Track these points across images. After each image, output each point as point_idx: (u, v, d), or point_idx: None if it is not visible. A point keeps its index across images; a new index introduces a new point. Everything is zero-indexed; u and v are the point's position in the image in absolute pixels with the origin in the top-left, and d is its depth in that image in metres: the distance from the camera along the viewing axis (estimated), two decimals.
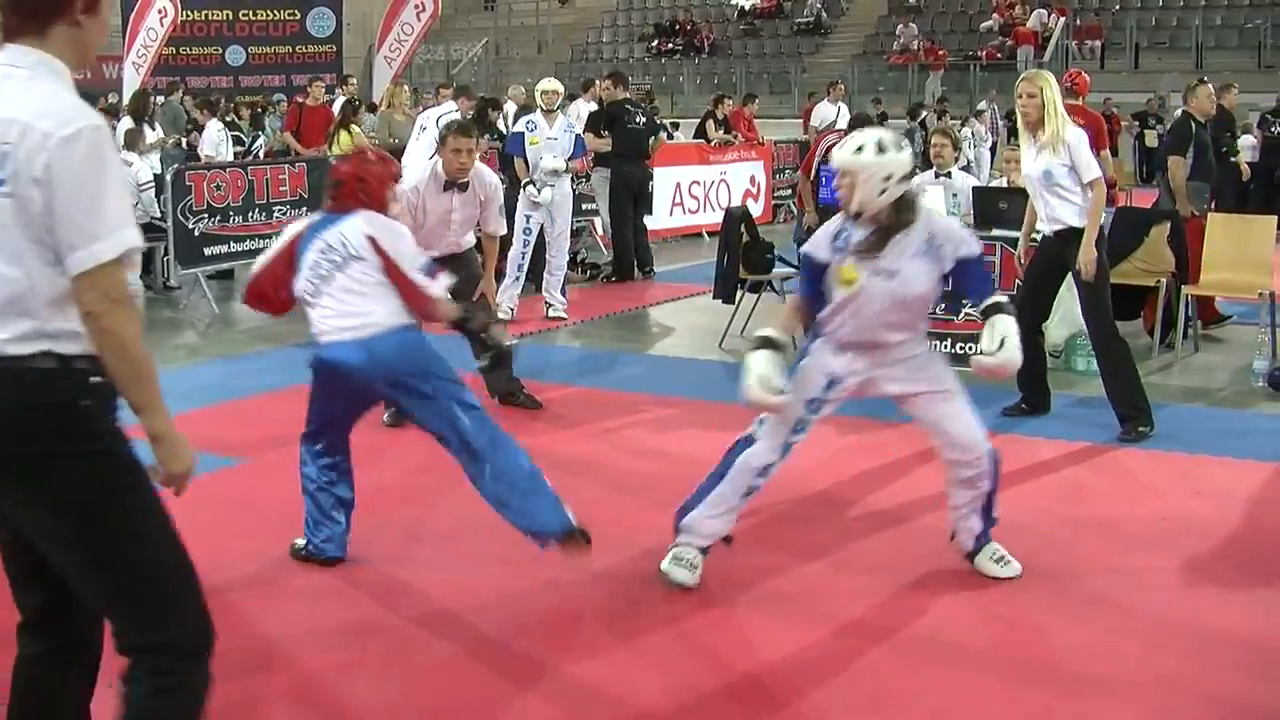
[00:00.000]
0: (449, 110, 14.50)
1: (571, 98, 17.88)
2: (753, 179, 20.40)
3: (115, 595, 3.51)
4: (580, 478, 7.37)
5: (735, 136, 20.25)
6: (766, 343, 5.69)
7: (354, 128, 15.60)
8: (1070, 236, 8.22)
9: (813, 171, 11.77)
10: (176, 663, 3.52)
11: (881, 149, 5.60)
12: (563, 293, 12.89)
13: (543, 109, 12.90)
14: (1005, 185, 11.70)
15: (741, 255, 11.56)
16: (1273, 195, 19.82)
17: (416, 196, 8.52)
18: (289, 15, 32.97)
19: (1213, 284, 11.07)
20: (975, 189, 11.02)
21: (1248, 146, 21.22)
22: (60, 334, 3.33)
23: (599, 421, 8.77)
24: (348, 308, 5.87)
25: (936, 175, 11.19)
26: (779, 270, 11.81)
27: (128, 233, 3.34)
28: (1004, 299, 5.88)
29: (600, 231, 16.83)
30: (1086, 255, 8.14)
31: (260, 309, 6.40)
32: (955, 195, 10.86)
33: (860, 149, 5.61)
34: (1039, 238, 8.71)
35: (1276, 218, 11.96)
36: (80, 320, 3.31)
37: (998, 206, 10.42)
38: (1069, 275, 8.59)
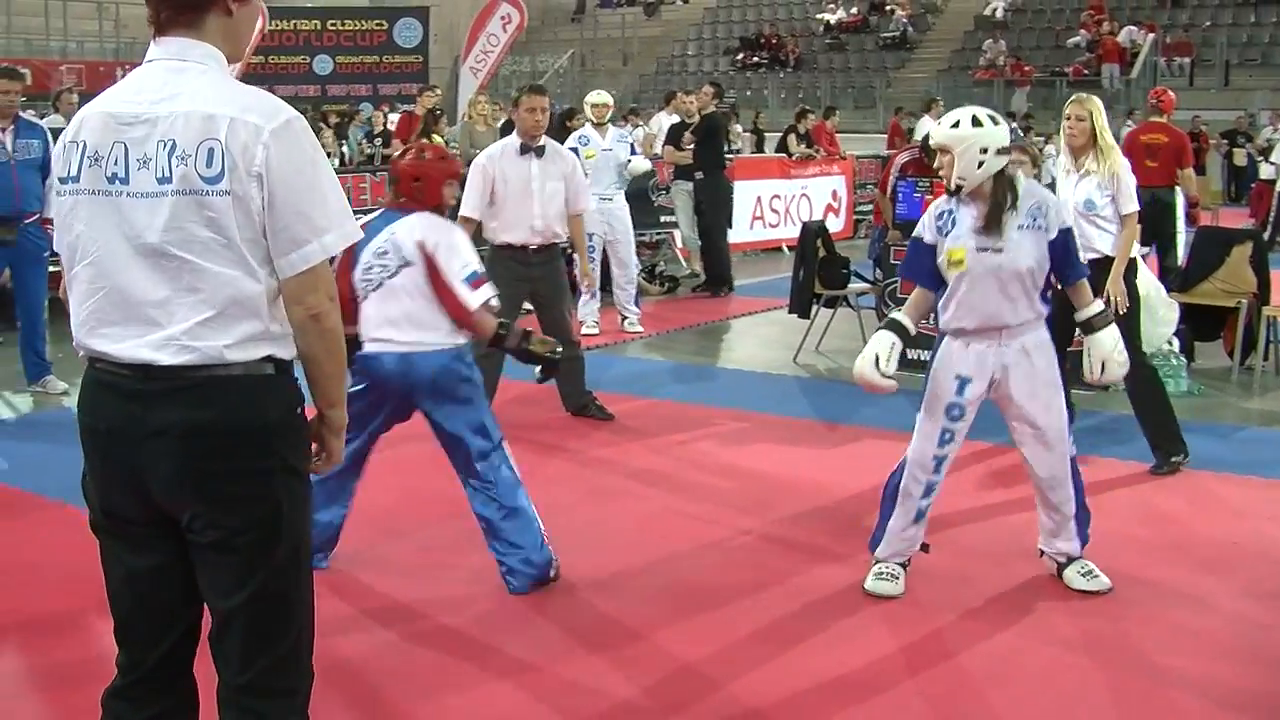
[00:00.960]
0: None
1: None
2: (834, 193, 20.33)
3: (266, 631, 3.33)
4: (646, 489, 7.42)
5: (817, 151, 20.20)
6: (894, 325, 5.84)
7: (435, 137, 15.68)
8: (1101, 266, 7.93)
9: (889, 187, 11.70)
10: (296, 713, 3.42)
11: (977, 122, 5.69)
12: (636, 304, 12.92)
13: (593, 122, 12.92)
14: None
15: (818, 270, 11.52)
16: None
17: (493, 165, 8.67)
18: (376, 25, 33.20)
19: None
20: None
21: None
22: (277, 337, 3.24)
23: (669, 434, 8.78)
24: (395, 316, 5.85)
25: None
26: (854, 285, 11.78)
27: (350, 225, 3.29)
28: (1100, 309, 5.93)
29: (680, 244, 16.84)
30: (1116, 286, 7.97)
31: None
32: None
33: (956, 123, 5.72)
34: None
35: None
36: (296, 321, 3.23)
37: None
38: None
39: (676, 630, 5.57)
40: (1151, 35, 33.84)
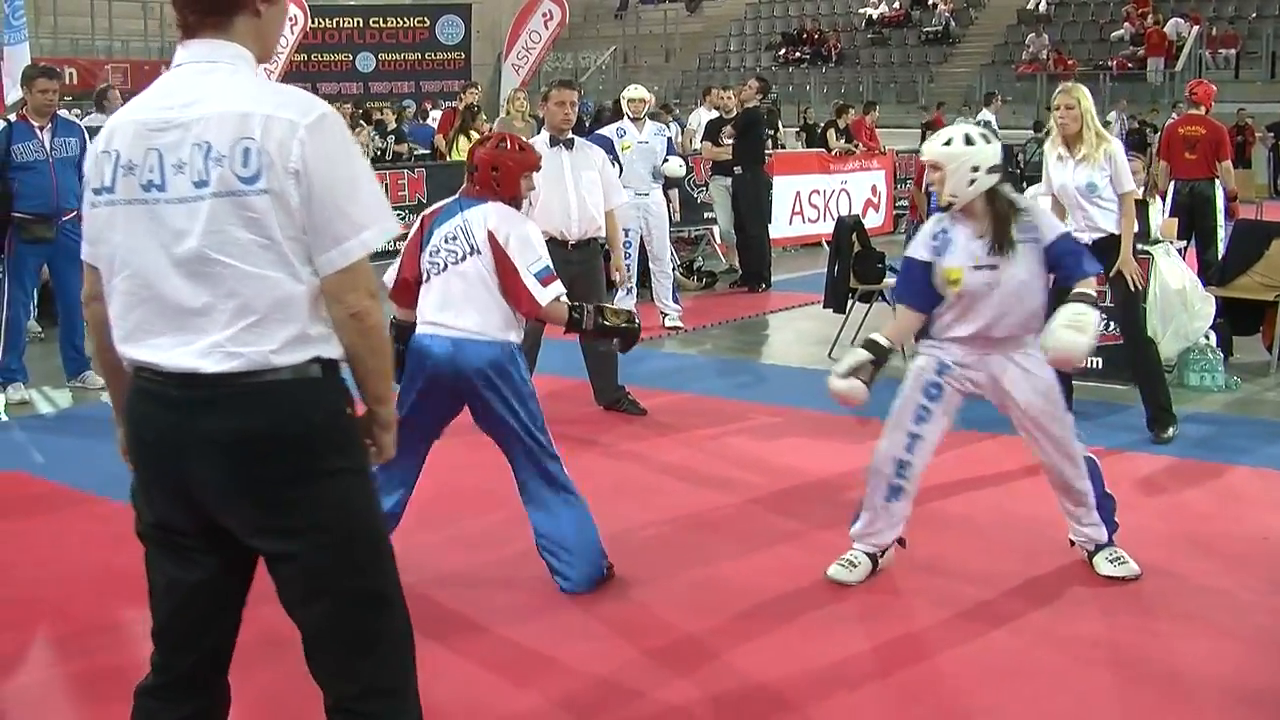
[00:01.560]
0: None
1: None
2: (874, 188, 20.29)
3: (360, 634, 3.28)
4: (675, 483, 7.45)
5: (856, 146, 20.16)
6: (871, 345, 5.88)
7: (473, 133, 15.71)
8: (1106, 244, 8.29)
9: (925, 182, 11.69)
10: (407, 714, 3.39)
11: (969, 141, 5.77)
12: (675, 300, 12.93)
13: (630, 116, 12.88)
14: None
15: (853, 265, 11.51)
16: None
17: None
18: (419, 23, 33.38)
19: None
20: None
21: None
22: (321, 338, 3.17)
23: (701, 428, 8.80)
24: (452, 301, 5.82)
25: None
26: (890, 280, 11.75)
27: (389, 220, 3.22)
28: (1089, 291, 5.86)
29: (719, 240, 16.84)
30: (1129, 265, 8.43)
31: (403, 304, 6.10)
32: None
33: (948, 141, 5.82)
34: None
35: None
36: (337, 319, 3.17)
37: None
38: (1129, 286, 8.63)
39: (705, 625, 5.59)
40: (1196, 28, 33.60)
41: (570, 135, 9.09)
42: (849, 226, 11.78)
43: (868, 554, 6.10)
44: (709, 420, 9.04)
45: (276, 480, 3.14)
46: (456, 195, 6.13)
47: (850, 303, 11.65)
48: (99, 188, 3.23)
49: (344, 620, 3.25)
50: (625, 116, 12.94)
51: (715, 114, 16.48)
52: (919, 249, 5.96)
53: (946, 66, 37.81)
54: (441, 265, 5.87)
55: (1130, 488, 7.43)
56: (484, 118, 17.78)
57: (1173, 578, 6.13)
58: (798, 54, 40.23)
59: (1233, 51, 33.20)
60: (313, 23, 26.13)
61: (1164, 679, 5.09)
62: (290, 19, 23.79)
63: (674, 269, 13.37)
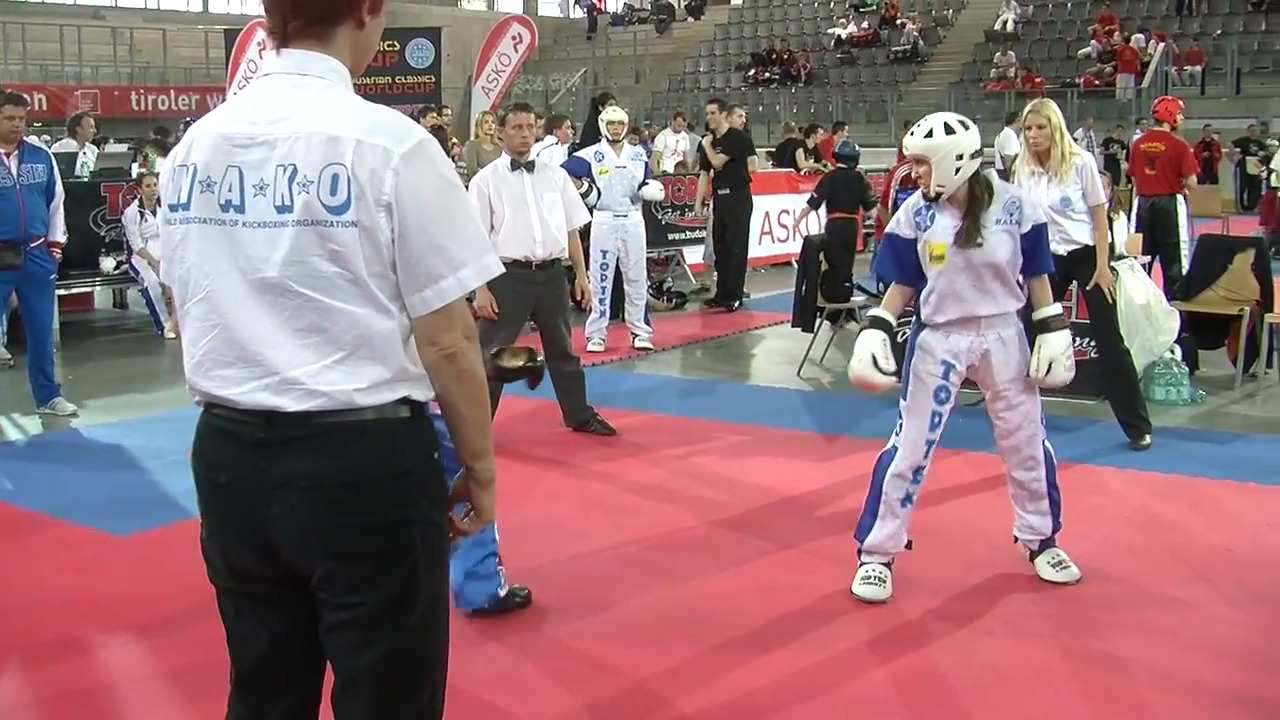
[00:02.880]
0: (549, 144, 14.49)
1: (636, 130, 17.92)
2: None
3: (399, 691, 3.06)
4: (643, 502, 7.47)
5: (825, 165, 20.22)
6: (878, 322, 6.08)
7: None
8: (1081, 255, 8.59)
9: (890, 200, 11.75)
10: None
11: (949, 129, 5.87)
12: (646, 322, 12.96)
13: (609, 139, 12.87)
14: None
15: (820, 284, 11.56)
16: None
17: (488, 185, 8.79)
18: (388, 46, 33.21)
19: None
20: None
21: None
22: (410, 378, 2.95)
23: (670, 448, 8.82)
24: None
25: None
26: (857, 299, 11.82)
27: (490, 257, 2.97)
28: (1058, 311, 6.16)
29: (701, 260, 16.89)
30: (1105, 277, 8.64)
31: None
32: None
33: (930, 133, 5.89)
34: None
35: None
36: (429, 362, 2.95)
37: None
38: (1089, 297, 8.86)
39: (671, 645, 5.60)
40: (1162, 45, 33.82)
41: (531, 158, 9.13)
42: (816, 246, 11.82)
43: (885, 564, 6.15)
44: (678, 440, 9.06)
45: (354, 527, 2.92)
46: None
47: (818, 322, 11.70)
48: (175, 203, 3.02)
49: (389, 674, 3.03)
50: (604, 139, 12.94)
51: (682, 136, 16.53)
52: (903, 226, 6.09)
53: (915, 85, 37.98)
54: None
55: (1096, 500, 7.51)
56: (455, 140, 17.81)
57: (1136, 589, 6.17)
58: (767, 74, 40.44)
59: (1198, 68, 33.41)
60: None
61: (1127, 691, 5.12)
62: (259, 44, 23.87)
63: (646, 290, 13.40)
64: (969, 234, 5.87)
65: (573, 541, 6.71)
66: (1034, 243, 6.02)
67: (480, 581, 5.72)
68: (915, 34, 39.80)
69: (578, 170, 12.06)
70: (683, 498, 7.71)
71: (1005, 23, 38.65)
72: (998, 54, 36.56)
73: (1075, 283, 9.03)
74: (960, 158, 5.82)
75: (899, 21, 40.71)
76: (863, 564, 6.15)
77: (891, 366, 5.98)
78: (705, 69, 43.47)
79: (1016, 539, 6.40)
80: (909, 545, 6.22)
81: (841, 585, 6.19)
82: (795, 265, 17.55)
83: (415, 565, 2.99)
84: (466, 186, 8.16)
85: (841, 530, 6.98)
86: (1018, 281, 6.05)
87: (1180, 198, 12.97)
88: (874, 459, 7.71)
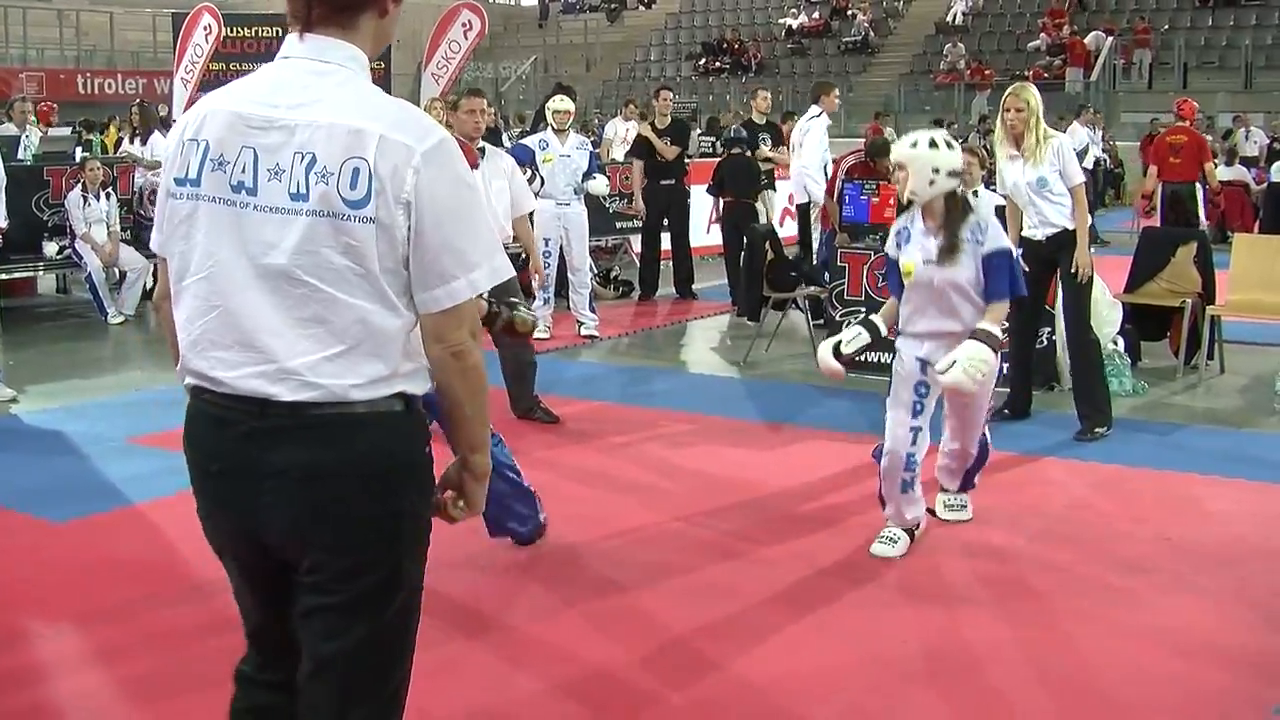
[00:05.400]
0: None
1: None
2: (791, 197, 20.27)
3: (367, 682, 3.06)
4: (588, 490, 7.47)
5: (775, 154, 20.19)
6: (866, 323, 6.71)
7: None
8: (1061, 239, 8.67)
9: (837, 191, 11.78)
10: None
11: (933, 144, 6.33)
12: (592, 310, 12.93)
13: (554, 128, 12.78)
14: None
15: (766, 273, 11.57)
16: None
17: None
18: None
19: (1239, 304, 11.00)
20: (998, 208, 10.99)
21: None
22: (406, 375, 2.96)
23: (614, 436, 8.82)
24: None
25: None
26: (803, 290, 11.83)
27: (501, 259, 2.99)
28: (993, 330, 6.26)
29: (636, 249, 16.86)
30: (1084, 258, 8.64)
31: None
32: None
33: (915, 144, 6.38)
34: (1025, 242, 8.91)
35: None
36: (435, 358, 2.96)
37: None
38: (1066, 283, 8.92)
39: (599, 628, 5.62)
40: (1111, 38, 34.00)
41: (482, 144, 9.10)
42: (762, 235, 11.83)
43: (905, 529, 6.57)
44: (622, 428, 9.06)
45: (344, 518, 2.93)
46: None
47: (764, 311, 11.72)
48: (181, 177, 2.99)
49: (359, 663, 3.03)
50: (550, 128, 12.86)
51: (632, 125, 16.45)
52: (890, 246, 6.64)
53: (865, 76, 38.05)
54: None
55: (1037, 490, 7.57)
56: None
57: (1076, 577, 6.22)
58: (718, 64, 40.40)
59: (1147, 62, 33.58)
60: (230, 32, 25.84)
61: (1065, 678, 5.15)
62: (205, 28, 23.67)
63: (591, 278, 13.37)
64: (948, 251, 6.31)
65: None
66: (993, 266, 6.33)
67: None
68: (866, 25, 39.84)
69: (521, 157, 11.87)
70: (626, 486, 7.72)
71: (955, 15, 38.76)
72: (948, 46, 36.63)
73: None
74: (936, 171, 6.27)
75: (849, 12, 40.73)
76: (887, 526, 6.61)
77: (850, 350, 6.55)
78: (656, 58, 43.43)
79: (940, 486, 7.06)
80: (932, 512, 6.91)
81: (774, 573, 6.25)
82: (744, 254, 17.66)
83: (400, 557, 3.02)
84: None
85: (783, 519, 7.05)
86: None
87: (1198, 184, 15.48)
88: (818, 448, 7.86)
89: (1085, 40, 34.11)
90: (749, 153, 14.83)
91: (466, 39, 28.65)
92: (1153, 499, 7.50)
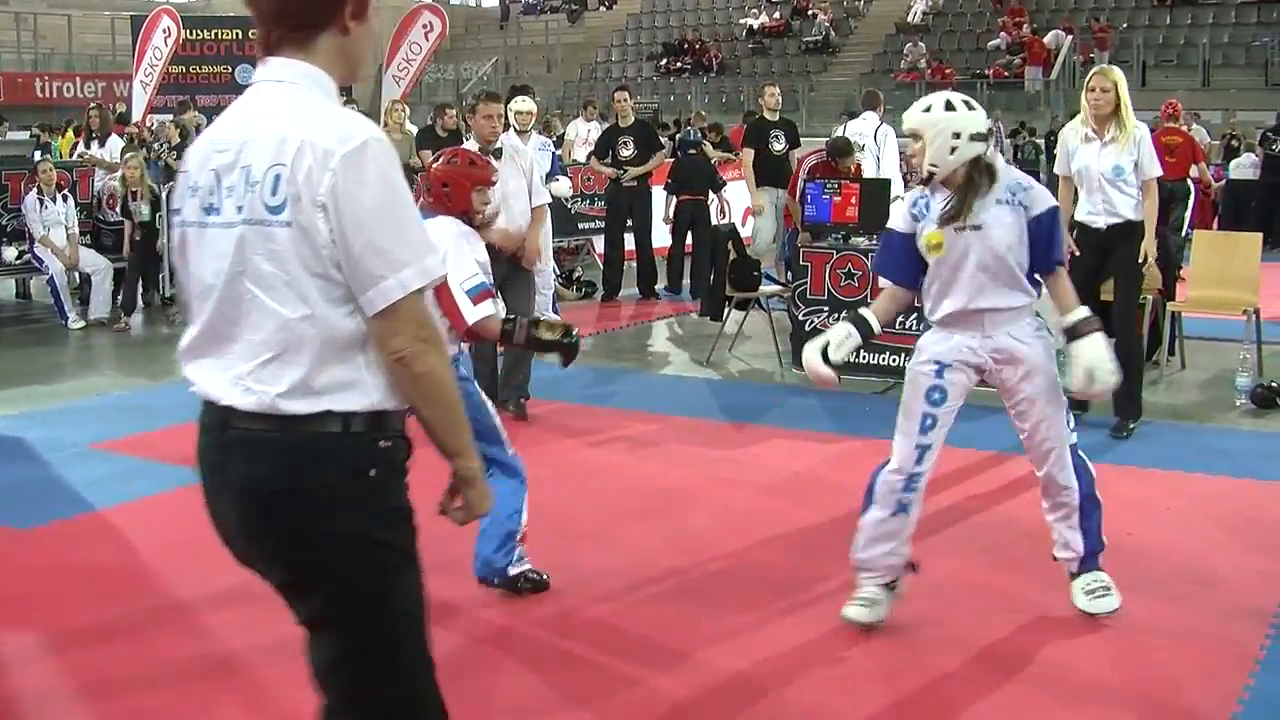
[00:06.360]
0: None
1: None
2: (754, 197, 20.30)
3: (359, 698, 3.07)
4: (551, 490, 7.43)
5: (735, 153, 20.24)
6: (855, 318, 5.68)
7: None
8: (1122, 229, 8.55)
9: (799, 190, 11.79)
10: None
11: (950, 106, 5.45)
12: (555, 310, 12.91)
13: (516, 129, 12.72)
14: None
15: (729, 273, 11.58)
16: (1275, 212, 19.93)
17: None
18: None
19: (1199, 301, 11.07)
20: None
21: (1248, 164, 21.25)
22: (341, 386, 2.94)
23: (576, 437, 8.83)
24: None
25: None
26: (765, 288, 11.85)
27: (433, 259, 2.96)
28: (1085, 314, 5.54)
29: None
30: (1153, 248, 8.65)
31: None
32: None
33: (928, 108, 5.48)
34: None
35: (1261, 235, 11.98)
36: (386, 367, 2.95)
37: None
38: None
39: (555, 628, 5.65)
40: (1070, 37, 34.16)
41: (499, 145, 9.32)
42: (725, 235, 11.85)
43: (885, 585, 5.68)
44: (586, 428, 9.06)
45: (277, 535, 2.99)
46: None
47: (726, 311, 11.74)
48: (175, 209, 3.15)
49: (341, 678, 3.06)
50: (511, 129, 12.81)
51: (594, 125, 16.44)
52: (898, 221, 5.69)
53: (826, 76, 38.09)
54: None
55: (999, 486, 7.59)
56: None
57: (1036, 574, 6.22)
58: (679, 64, 40.39)
59: (1105, 54, 33.73)
60: (190, 35, 25.82)
61: (1026, 674, 5.19)
62: (164, 30, 23.57)
63: (554, 280, 13.36)
64: (955, 213, 5.40)
65: (450, 530, 6.70)
66: (1046, 229, 5.47)
67: (500, 555, 5.93)
68: (826, 24, 39.89)
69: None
70: (589, 487, 7.73)
71: (916, 14, 38.85)
72: (908, 45, 36.68)
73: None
74: (958, 136, 5.36)
75: (810, 12, 40.77)
76: (860, 583, 5.70)
77: (840, 358, 5.55)
78: (617, 58, 43.39)
79: (1055, 558, 5.87)
80: (913, 567, 5.76)
81: (729, 574, 6.28)
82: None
83: (349, 581, 2.99)
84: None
85: (742, 520, 7.04)
86: (1030, 275, 5.51)
87: (1190, 182, 16.12)
88: (781, 447, 7.78)
89: (1044, 39, 34.27)
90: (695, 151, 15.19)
91: (427, 40, 28.70)
92: (1114, 494, 7.44)
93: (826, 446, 8.49)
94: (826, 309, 10.50)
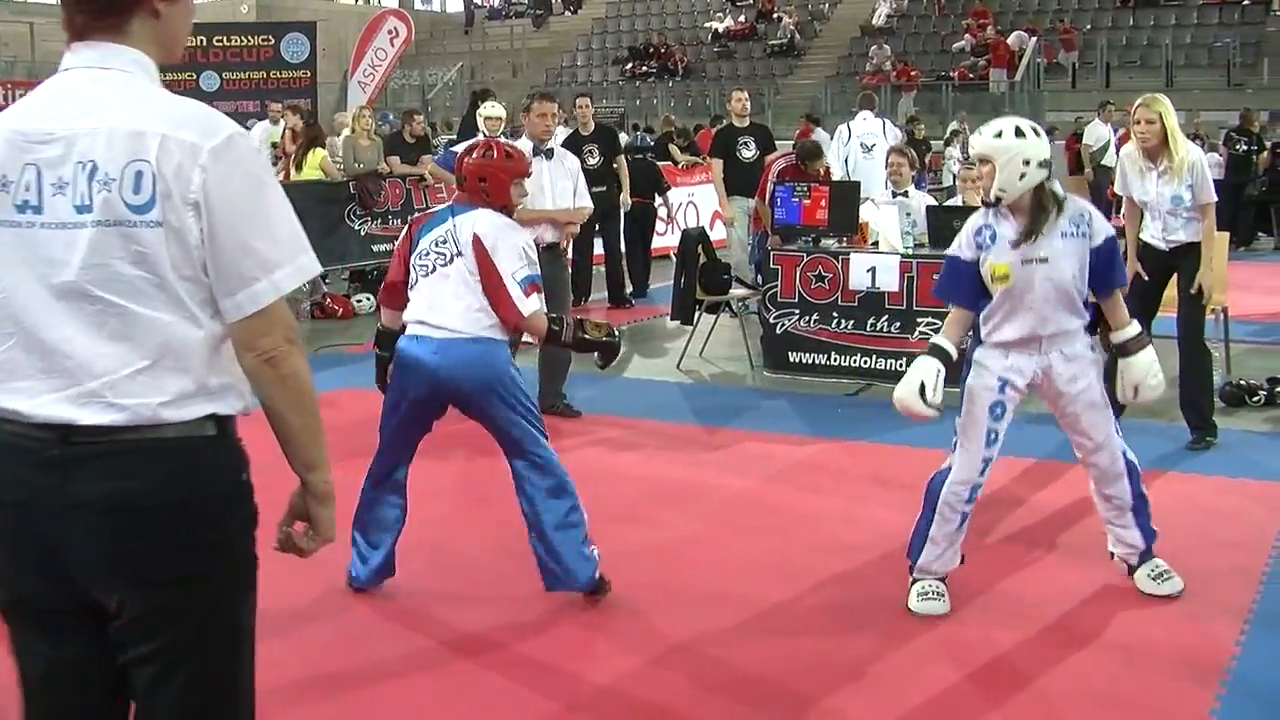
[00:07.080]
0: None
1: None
2: (721, 201, 20.31)
3: None
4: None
5: (703, 158, 20.26)
6: (937, 351, 5.75)
7: (318, 149, 15.45)
8: (1184, 249, 8.48)
9: (768, 194, 11.79)
10: None
11: (1020, 133, 5.64)
12: None
13: (486, 135, 12.67)
14: (961, 205, 11.68)
15: (699, 277, 11.57)
16: (1238, 213, 20.07)
17: None
18: (263, 41, 32.90)
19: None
20: (930, 208, 11.07)
21: (1214, 164, 21.34)
22: (218, 391, 2.81)
23: (551, 441, 8.75)
24: (439, 301, 5.81)
25: (894, 195, 11.32)
26: (736, 291, 11.85)
27: (306, 257, 2.83)
28: (1137, 332, 5.90)
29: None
30: (1208, 276, 8.49)
31: (391, 305, 6.15)
32: (910, 215, 10.90)
33: (999, 134, 5.65)
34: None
35: (1227, 235, 12.02)
36: (248, 368, 2.81)
37: (952, 226, 10.44)
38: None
39: (538, 635, 5.66)
40: (1034, 39, 34.29)
41: (551, 145, 9.46)
42: (695, 238, 11.83)
43: (940, 579, 5.93)
44: (557, 433, 8.97)
45: (153, 553, 2.76)
46: (449, 202, 6.19)
47: (697, 314, 11.72)
48: None
49: (187, 708, 2.87)
50: (481, 134, 12.75)
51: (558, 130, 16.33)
52: (963, 248, 5.83)
53: (792, 79, 38.17)
54: (430, 268, 5.88)
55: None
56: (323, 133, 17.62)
57: (1010, 573, 6.29)
58: (645, 68, 40.42)
59: (1072, 61, 33.88)
60: None
61: (1004, 676, 5.21)
62: None
63: None
64: (1029, 235, 5.61)
65: (457, 538, 6.68)
66: (1106, 257, 5.75)
67: (585, 563, 5.89)
68: (792, 28, 39.95)
69: (450, 164, 11.85)
70: None
71: (880, 17, 38.95)
72: (873, 48, 36.76)
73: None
74: (1027, 163, 5.58)
75: (775, 15, 40.84)
76: (916, 580, 5.94)
77: (939, 399, 5.67)
78: (583, 63, 43.40)
79: (1113, 555, 6.19)
80: (962, 560, 6.01)
81: (707, 578, 6.28)
82: (674, 258, 17.66)
83: (218, 593, 2.87)
84: (347, 180, 7.93)
85: (719, 523, 7.03)
86: (1085, 299, 5.79)
87: None
88: (754, 450, 7.77)
89: (1009, 40, 34.39)
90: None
91: (393, 46, 28.75)
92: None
93: (800, 449, 8.49)
94: (797, 312, 10.51)
